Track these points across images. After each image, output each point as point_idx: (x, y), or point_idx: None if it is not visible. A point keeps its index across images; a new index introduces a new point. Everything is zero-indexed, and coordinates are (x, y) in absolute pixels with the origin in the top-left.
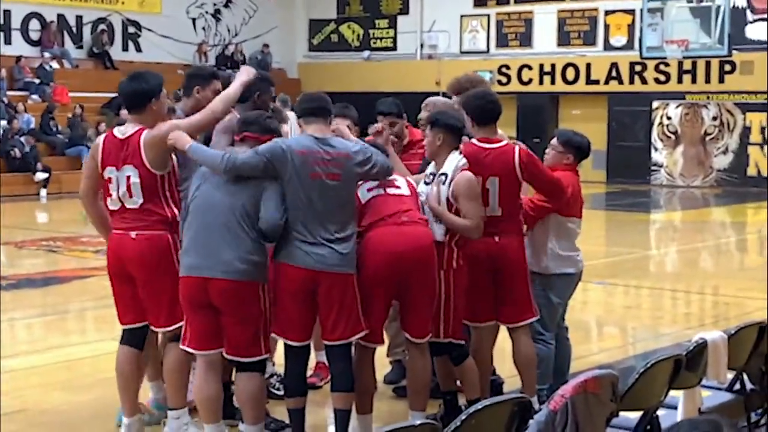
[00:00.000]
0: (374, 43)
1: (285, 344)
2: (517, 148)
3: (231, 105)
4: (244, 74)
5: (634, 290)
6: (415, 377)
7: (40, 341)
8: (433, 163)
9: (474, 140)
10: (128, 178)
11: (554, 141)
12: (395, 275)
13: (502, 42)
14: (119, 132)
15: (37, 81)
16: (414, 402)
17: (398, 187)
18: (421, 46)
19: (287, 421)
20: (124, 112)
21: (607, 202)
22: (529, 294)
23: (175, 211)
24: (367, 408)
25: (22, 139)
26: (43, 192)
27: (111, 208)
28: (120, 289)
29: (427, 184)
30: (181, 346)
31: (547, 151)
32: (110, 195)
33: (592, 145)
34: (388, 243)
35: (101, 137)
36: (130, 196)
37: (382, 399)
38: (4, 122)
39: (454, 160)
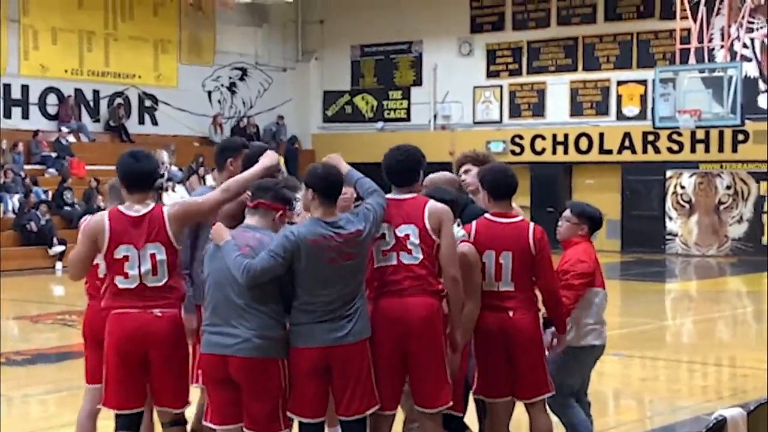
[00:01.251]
0: (388, 114)
1: (300, 422)
2: (531, 225)
3: (246, 187)
4: (268, 158)
5: (650, 362)
6: None
7: (55, 417)
8: None
9: (488, 215)
10: (153, 256)
11: (567, 213)
12: (401, 346)
13: (515, 112)
14: (129, 210)
15: (54, 155)
16: None
17: (410, 251)
18: (435, 116)
19: None
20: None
21: (622, 272)
22: (545, 369)
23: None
24: None
25: (38, 212)
26: (59, 265)
27: (122, 287)
28: (126, 372)
29: None
30: (204, 423)
31: (560, 223)
32: (124, 274)
33: (606, 214)
34: (392, 314)
35: (100, 216)
36: (155, 274)
37: None
38: (20, 196)
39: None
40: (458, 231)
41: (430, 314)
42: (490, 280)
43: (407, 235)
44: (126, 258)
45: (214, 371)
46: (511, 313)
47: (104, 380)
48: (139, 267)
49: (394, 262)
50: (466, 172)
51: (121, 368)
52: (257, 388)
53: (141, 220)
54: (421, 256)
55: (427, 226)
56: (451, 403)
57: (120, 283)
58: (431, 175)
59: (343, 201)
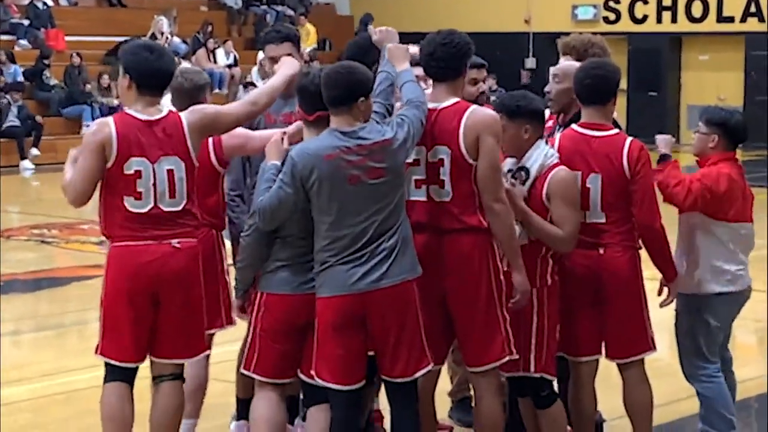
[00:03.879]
0: None
1: (330, 389)
2: (628, 140)
3: (274, 98)
4: (287, 67)
5: None
6: (482, 423)
7: (33, 365)
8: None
9: (575, 125)
10: (170, 172)
11: (700, 121)
12: (438, 291)
13: None
14: (140, 113)
15: (26, 22)
16: None
17: (442, 184)
18: None
19: None
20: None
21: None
22: (644, 320)
23: None
24: None
25: (8, 96)
26: (27, 163)
27: (133, 210)
28: (137, 317)
29: None
30: (245, 372)
31: (693, 135)
32: (136, 195)
33: (724, 99)
34: (425, 254)
35: (107, 121)
36: (172, 196)
37: None
38: None
39: (540, 155)
40: (547, 151)
41: (463, 254)
42: None
43: (441, 161)
44: (138, 174)
45: (295, 315)
46: (601, 251)
47: (101, 326)
48: (154, 186)
49: (424, 198)
50: None
51: (130, 314)
52: None
53: (155, 126)
54: (452, 193)
55: (462, 147)
56: (505, 359)
57: (131, 205)
58: (563, 66)
59: None
